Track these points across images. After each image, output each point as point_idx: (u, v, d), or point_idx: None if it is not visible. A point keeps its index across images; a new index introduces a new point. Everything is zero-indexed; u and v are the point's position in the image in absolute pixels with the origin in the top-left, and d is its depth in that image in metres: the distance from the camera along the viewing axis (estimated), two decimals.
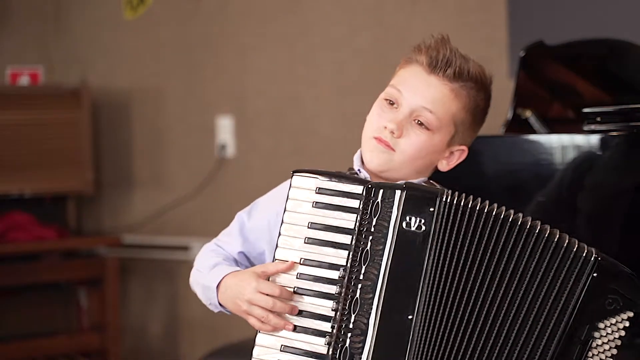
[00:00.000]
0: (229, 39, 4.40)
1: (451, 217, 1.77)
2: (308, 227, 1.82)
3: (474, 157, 2.40)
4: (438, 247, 1.77)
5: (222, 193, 4.36)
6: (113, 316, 4.45)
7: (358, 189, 1.80)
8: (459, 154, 1.98)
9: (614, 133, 2.21)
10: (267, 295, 1.81)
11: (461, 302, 1.78)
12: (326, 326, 1.79)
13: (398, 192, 1.78)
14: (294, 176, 1.85)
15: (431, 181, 1.97)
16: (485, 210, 1.79)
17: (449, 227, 1.77)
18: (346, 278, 1.78)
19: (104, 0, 4.73)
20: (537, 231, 1.80)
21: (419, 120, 1.91)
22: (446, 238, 1.77)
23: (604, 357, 1.80)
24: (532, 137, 2.41)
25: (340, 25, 4.10)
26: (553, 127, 2.84)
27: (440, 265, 1.77)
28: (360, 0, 4.06)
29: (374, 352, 1.75)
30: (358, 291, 1.76)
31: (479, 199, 1.80)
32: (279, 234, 1.84)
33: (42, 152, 4.48)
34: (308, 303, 1.81)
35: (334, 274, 1.80)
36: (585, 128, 2.26)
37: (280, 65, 4.28)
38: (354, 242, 1.78)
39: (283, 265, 1.82)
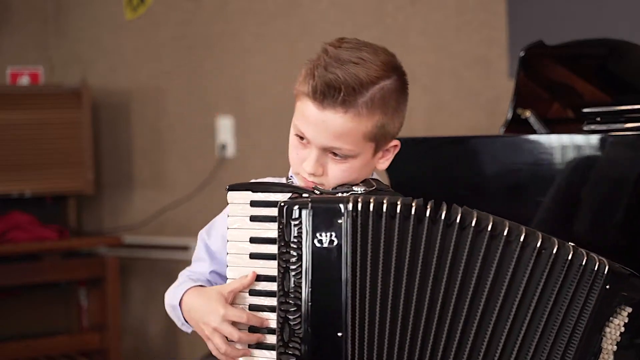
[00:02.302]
0: (229, 39, 4.40)
1: (362, 225, 1.70)
2: (250, 243, 1.79)
3: (474, 157, 2.40)
4: (355, 258, 1.70)
5: (222, 193, 4.33)
6: (113, 316, 4.45)
7: (287, 197, 1.76)
8: (393, 149, 1.90)
9: (614, 133, 2.21)
10: (232, 323, 1.78)
11: (397, 311, 1.71)
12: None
13: (305, 211, 1.72)
14: (228, 192, 1.84)
15: (372, 179, 1.89)
16: (403, 208, 1.70)
17: (361, 236, 1.70)
18: (277, 305, 1.75)
19: (104, 1, 4.73)
20: (511, 238, 1.72)
21: (334, 153, 1.82)
22: (361, 248, 1.70)
23: (607, 358, 1.77)
24: (532, 137, 2.41)
25: (340, 25, 4.10)
26: (553, 127, 2.84)
27: (361, 276, 1.70)
28: (360, 0, 4.06)
29: None
30: (287, 320, 1.73)
31: (388, 199, 1.72)
32: (227, 253, 1.82)
33: (43, 152, 4.48)
34: (264, 319, 1.78)
35: None
36: (585, 128, 2.27)
37: (280, 65, 4.28)
38: (278, 264, 1.74)
39: (247, 280, 1.77)
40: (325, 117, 1.78)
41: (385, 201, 1.71)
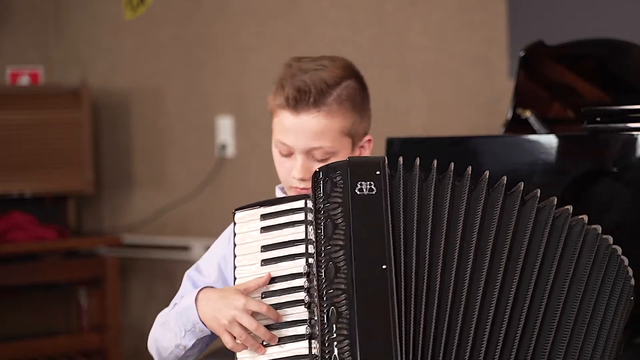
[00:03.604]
0: (229, 39, 4.40)
1: (399, 177, 1.79)
2: (261, 251, 1.84)
3: (474, 157, 2.40)
4: (396, 206, 1.77)
5: (222, 193, 4.36)
6: (113, 316, 4.45)
7: (300, 203, 1.84)
8: (368, 145, 2.03)
9: (614, 133, 2.21)
10: (251, 315, 1.79)
11: (438, 260, 1.76)
12: (301, 330, 1.78)
13: (344, 166, 1.80)
14: (236, 213, 1.89)
15: None
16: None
17: (402, 187, 1.79)
18: (315, 254, 1.77)
19: (104, 1, 4.73)
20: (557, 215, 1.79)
21: (317, 155, 1.95)
22: (403, 197, 1.78)
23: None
24: (532, 137, 2.41)
25: (340, 25, 4.10)
26: (553, 127, 2.84)
27: (406, 220, 1.77)
28: (360, 0, 4.06)
29: (357, 303, 1.71)
30: (330, 261, 1.74)
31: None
32: (234, 267, 1.85)
33: (42, 152, 4.48)
34: (280, 314, 1.80)
35: (297, 282, 1.80)
36: (585, 128, 2.26)
37: (280, 65, 4.27)
38: (313, 220, 1.79)
39: (262, 280, 1.81)
40: (301, 121, 1.95)
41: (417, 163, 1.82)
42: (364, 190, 1.78)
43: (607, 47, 3.06)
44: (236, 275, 1.84)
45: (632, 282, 1.81)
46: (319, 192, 1.80)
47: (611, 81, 3.00)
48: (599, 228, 1.82)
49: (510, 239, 1.78)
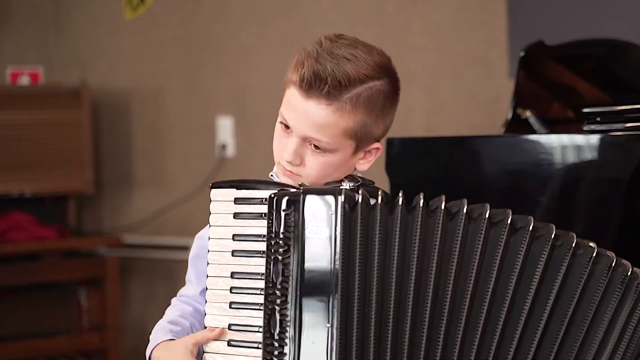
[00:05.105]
0: (229, 39, 4.40)
1: (352, 216, 1.66)
2: (233, 240, 1.76)
3: (474, 157, 2.40)
4: (346, 250, 1.66)
5: None
6: (113, 316, 4.45)
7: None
8: (375, 152, 1.85)
9: (614, 133, 2.21)
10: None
11: (392, 303, 1.66)
12: (261, 336, 1.71)
13: (296, 202, 1.69)
14: (212, 190, 1.81)
15: (358, 176, 1.85)
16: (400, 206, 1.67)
17: (351, 227, 1.66)
18: (265, 295, 1.70)
19: (104, 1, 4.73)
20: (530, 230, 1.68)
21: (314, 145, 1.80)
22: (351, 238, 1.66)
23: None
24: (532, 137, 2.41)
25: (340, 25, 4.10)
26: (553, 127, 2.85)
27: (352, 267, 1.66)
28: (360, 0, 4.06)
29: None
30: (277, 307, 1.68)
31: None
32: (209, 251, 1.79)
33: (42, 152, 4.48)
34: (244, 316, 1.74)
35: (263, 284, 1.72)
36: (585, 128, 2.26)
37: (280, 65, 4.26)
38: (265, 253, 1.70)
39: (212, 333, 1.75)
40: (309, 107, 1.78)
41: (380, 193, 1.69)
42: (315, 232, 1.66)
43: (607, 47, 3.07)
44: (209, 261, 1.78)
45: None
46: (270, 224, 1.70)
47: (611, 81, 3.01)
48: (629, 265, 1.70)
49: (494, 277, 1.66)
